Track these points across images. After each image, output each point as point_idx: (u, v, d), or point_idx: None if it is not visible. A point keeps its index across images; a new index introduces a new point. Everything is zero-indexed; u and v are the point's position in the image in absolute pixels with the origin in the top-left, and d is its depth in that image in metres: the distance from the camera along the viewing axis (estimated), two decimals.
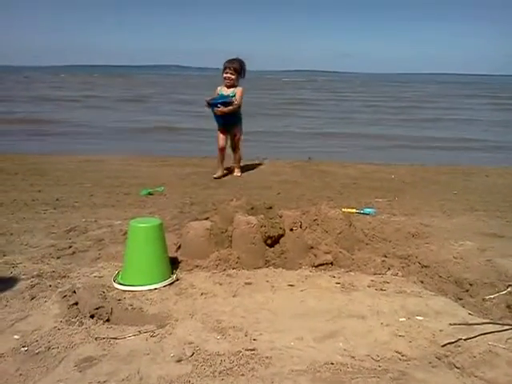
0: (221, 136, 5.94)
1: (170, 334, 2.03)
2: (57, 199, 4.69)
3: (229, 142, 6.03)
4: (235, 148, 6.06)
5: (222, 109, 5.67)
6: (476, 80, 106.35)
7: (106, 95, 25.51)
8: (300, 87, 45.50)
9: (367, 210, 4.21)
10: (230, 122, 5.86)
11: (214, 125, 6.03)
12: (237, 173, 6.06)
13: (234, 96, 5.71)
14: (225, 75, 5.76)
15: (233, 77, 5.73)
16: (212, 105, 5.72)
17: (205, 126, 10.73)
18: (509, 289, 2.48)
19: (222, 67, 5.84)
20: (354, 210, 4.19)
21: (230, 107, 5.69)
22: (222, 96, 5.78)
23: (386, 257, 3.00)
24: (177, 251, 2.96)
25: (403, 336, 2.03)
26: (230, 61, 5.76)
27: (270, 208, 3.15)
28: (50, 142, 10.13)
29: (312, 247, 2.90)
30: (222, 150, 5.92)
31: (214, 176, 5.83)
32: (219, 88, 5.88)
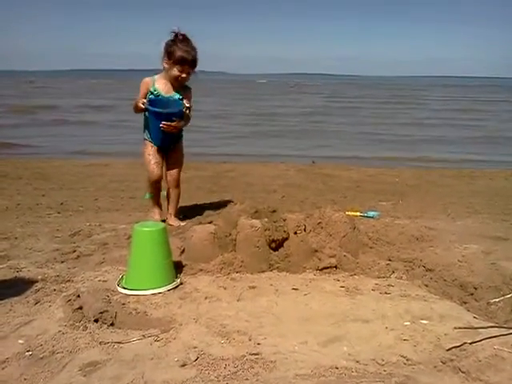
0: (156, 159, 3.84)
1: (175, 338, 2.03)
2: (61, 203, 4.70)
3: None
4: (174, 180, 3.95)
5: (177, 124, 3.69)
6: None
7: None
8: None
9: (371, 213, 4.21)
10: (173, 139, 3.86)
11: (140, 138, 4.01)
12: (173, 221, 3.93)
13: (183, 101, 3.76)
14: (182, 74, 3.69)
15: (189, 76, 3.77)
16: (158, 114, 3.64)
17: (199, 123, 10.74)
18: None
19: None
20: (358, 214, 4.19)
21: (186, 122, 3.83)
22: (175, 101, 3.74)
23: (390, 260, 2.99)
24: (181, 255, 2.96)
25: (408, 340, 2.02)
26: (189, 50, 3.65)
27: (274, 211, 3.14)
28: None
29: (316, 251, 2.90)
30: (159, 181, 3.90)
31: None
32: (155, 84, 3.73)
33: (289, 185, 5.85)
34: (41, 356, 1.88)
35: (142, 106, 3.63)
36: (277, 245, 2.89)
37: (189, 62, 3.66)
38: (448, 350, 1.93)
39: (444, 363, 1.84)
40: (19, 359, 1.86)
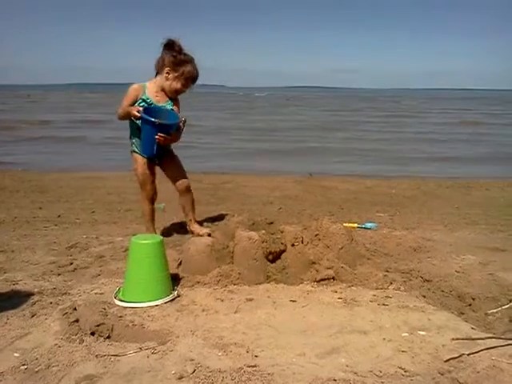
0: (152, 175, 3.71)
1: (172, 350, 2.01)
2: (58, 216, 4.70)
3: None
4: (185, 188, 3.81)
5: (173, 136, 3.57)
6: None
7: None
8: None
9: (368, 225, 4.21)
10: (164, 149, 3.65)
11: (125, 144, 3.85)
12: (196, 228, 3.81)
13: (173, 110, 3.65)
14: (184, 88, 3.62)
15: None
16: (154, 125, 3.38)
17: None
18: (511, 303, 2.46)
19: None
20: (355, 225, 4.19)
21: (179, 134, 3.65)
22: (170, 112, 3.60)
23: (387, 271, 2.99)
24: (178, 267, 2.95)
25: (406, 351, 2.01)
26: (196, 68, 3.62)
27: (272, 223, 3.14)
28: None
29: (314, 262, 2.90)
30: (154, 198, 3.80)
31: None
32: (147, 92, 3.57)
33: (286, 196, 5.85)
34: (36, 370, 1.87)
35: (137, 114, 3.38)
36: (274, 257, 2.89)
37: (195, 80, 3.65)
38: (446, 361, 1.92)
39: (442, 374, 1.84)
40: (14, 373, 1.84)
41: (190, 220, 3.84)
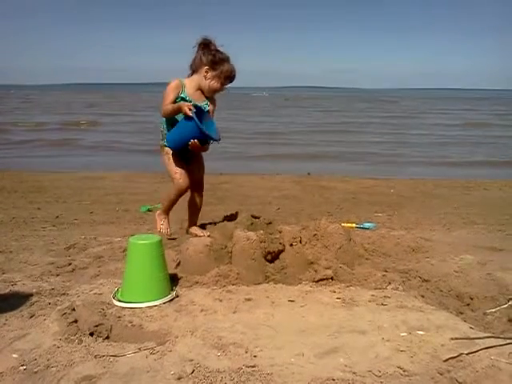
0: (184, 168, 3.57)
1: (170, 351, 2.01)
2: (56, 216, 4.69)
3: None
4: (200, 186, 3.79)
5: (205, 147, 3.54)
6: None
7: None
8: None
9: (367, 225, 4.22)
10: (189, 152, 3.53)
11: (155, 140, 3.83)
12: (197, 230, 3.67)
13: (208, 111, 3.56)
14: (222, 87, 3.57)
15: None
16: (198, 131, 3.26)
17: None
18: (510, 302, 2.47)
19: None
20: (353, 225, 4.20)
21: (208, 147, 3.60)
22: (215, 128, 3.48)
23: (386, 271, 2.99)
24: (176, 268, 2.95)
25: (405, 351, 2.01)
26: (234, 68, 3.58)
27: (270, 223, 3.15)
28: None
29: (312, 262, 2.90)
30: (187, 191, 3.66)
31: (168, 236, 3.70)
32: (185, 89, 3.51)
33: (284, 196, 5.85)
34: (35, 370, 1.87)
35: (189, 112, 3.22)
36: (273, 257, 2.89)
37: (233, 79, 3.61)
38: (445, 360, 1.92)
39: (441, 374, 1.84)
40: (13, 373, 1.84)
41: (192, 222, 3.80)
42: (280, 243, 2.90)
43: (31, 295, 2.60)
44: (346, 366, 1.90)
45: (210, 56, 3.48)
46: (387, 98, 59.81)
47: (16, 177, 7.17)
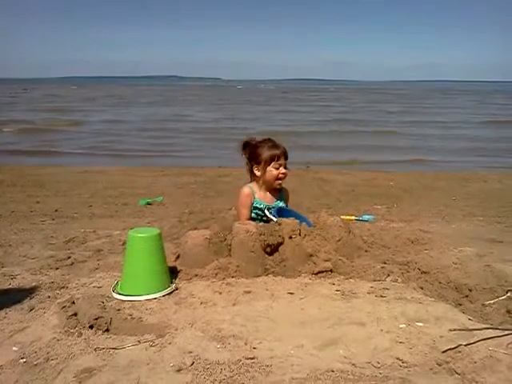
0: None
1: (170, 343, 2.02)
2: (55, 210, 4.69)
3: None
4: None
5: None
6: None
7: None
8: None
9: (366, 217, 4.22)
10: None
11: None
12: None
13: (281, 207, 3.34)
14: (281, 170, 3.29)
15: (287, 171, 3.33)
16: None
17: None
18: (508, 294, 2.47)
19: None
20: (352, 217, 4.20)
21: None
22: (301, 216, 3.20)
23: (385, 263, 2.99)
24: (176, 261, 2.95)
25: (403, 342, 2.02)
26: (275, 143, 3.35)
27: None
28: None
29: (311, 255, 2.90)
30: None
31: None
32: (256, 196, 3.34)
33: None
34: (35, 363, 1.87)
35: (272, 218, 3.07)
36: (272, 249, 2.89)
37: (282, 154, 3.29)
38: (443, 351, 1.93)
39: (439, 365, 1.84)
40: (13, 366, 1.84)
41: None
42: (279, 236, 2.89)
43: (31, 289, 2.61)
44: (345, 357, 1.91)
45: (247, 155, 3.37)
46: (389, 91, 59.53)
47: (15, 171, 7.16)
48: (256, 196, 3.31)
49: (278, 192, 3.40)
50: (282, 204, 3.37)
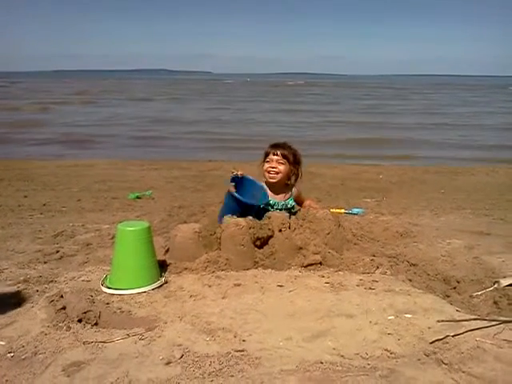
0: None
1: (159, 336, 2.02)
2: (44, 204, 4.65)
3: None
4: None
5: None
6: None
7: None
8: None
9: (355, 210, 4.24)
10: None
11: None
12: None
13: (293, 208, 3.48)
14: (271, 164, 3.39)
15: (281, 168, 3.37)
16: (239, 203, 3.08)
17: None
18: (495, 285, 2.50)
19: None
20: (342, 211, 4.21)
21: None
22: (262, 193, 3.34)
23: (374, 256, 3.01)
24: (165, 254, 2.95)
25: (392, 334, 2.04)
26: (276, 145, 3.44)
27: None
28: None
29: (301, 248, 2.91)
30: None
31: None
32: (267, 193, 3.40)
33: None
34: (23, 357, 1.86)
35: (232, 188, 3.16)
36: (261, 242, 2.89)
37: (271, 150, 3.41)
38: (431, 342, 1.95)
39: (427, 356, 1.86)
40: (1, 361, 1.83)
41: None
42: (269, 229, 2.90)
43: (19, 283, 2.59)
44: (334, 349, 1.92)
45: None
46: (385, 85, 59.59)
47: (2, 165, 7.08)
48: (267, 194, 3.39)
49: (284, 191, 3.48)
50: (292, 203, 3.49)
